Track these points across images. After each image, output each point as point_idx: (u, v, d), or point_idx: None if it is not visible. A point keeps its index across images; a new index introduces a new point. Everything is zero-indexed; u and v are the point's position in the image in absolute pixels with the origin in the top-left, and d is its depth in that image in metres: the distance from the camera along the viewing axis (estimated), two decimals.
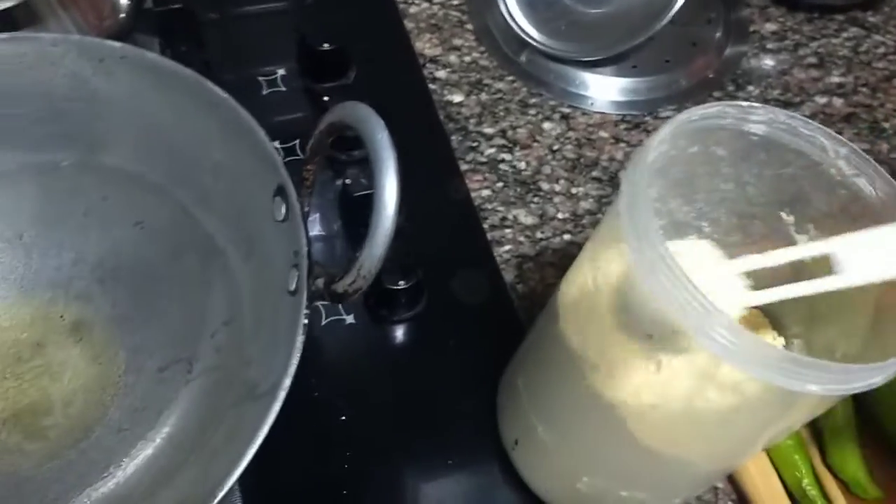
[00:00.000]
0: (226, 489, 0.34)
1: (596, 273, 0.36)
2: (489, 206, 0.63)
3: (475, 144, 0.66)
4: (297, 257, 0.40)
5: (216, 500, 0.34)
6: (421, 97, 0.67)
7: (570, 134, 0.67)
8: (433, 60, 0.71)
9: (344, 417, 0.51)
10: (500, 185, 0.64)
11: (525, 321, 0.56)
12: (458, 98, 0.69)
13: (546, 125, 0.68)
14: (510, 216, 0.62)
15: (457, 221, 0.61)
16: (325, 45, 0.63)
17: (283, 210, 0.42)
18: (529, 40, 0.71)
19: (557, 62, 0.70)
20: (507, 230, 0.62)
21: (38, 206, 0.49)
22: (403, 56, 0.70)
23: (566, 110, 0.68)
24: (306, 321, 0.38)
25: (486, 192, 0.64)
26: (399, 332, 0.55)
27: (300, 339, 0.37)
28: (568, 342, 0.38)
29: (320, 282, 0.39)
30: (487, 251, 0.60)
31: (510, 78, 0.70)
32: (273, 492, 0.47)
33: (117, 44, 0.46)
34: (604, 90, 0.70)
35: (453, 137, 0.66)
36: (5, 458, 0.43)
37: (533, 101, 0.69)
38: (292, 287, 0.41)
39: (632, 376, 0.35)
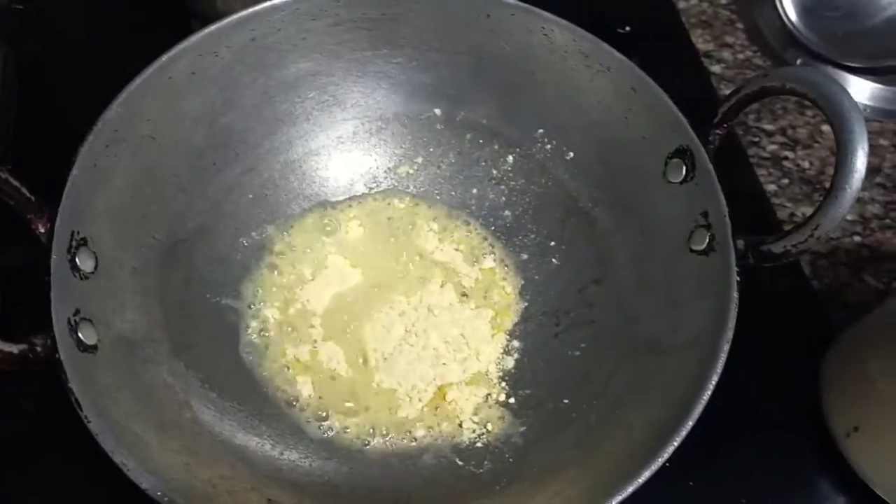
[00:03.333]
0: (681, 435, 0.34)
1: None
2: (776, 202, 0.62)
3: (756, 140, 0.66)
4: (709, 217, 0.41)
5: (676, 444, 0.34)
6: (704, 89, 0.67)
7: None
8: (706, 55, 0.71)
9: None
10: (785, 181, 0.64)
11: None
12: None
13: (825, 127, 0.67)
14: (798, 213, 0.62)
15: (751, 214, 0.61)
16: (627, 28, 0.64)
17: (683, 171, 0.43)
18: (806, 43, 0.71)
19: (834, 67, 0.70)
20: None
21: (409, 150, 0.51)
22: (682, 47, 0.70)
23: None
24: (739, 278, 0.38)
25: (771, 188, 0.63)
26: None
27: (735, 295, 0.38)
28: None
29: (740, 242, 0.39)
30: None
31: (766, 70, 0.70)
32: None
33: (510, 0, 0.47)
34: (882, 100, 0.69)
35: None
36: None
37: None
38: (699, 246, 0.41)
39: None
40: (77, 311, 0.37)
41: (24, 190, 0.37)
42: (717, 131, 0.43)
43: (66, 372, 0.34)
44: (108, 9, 0.64)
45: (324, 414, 0.43)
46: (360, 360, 0.44)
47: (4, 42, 0.61)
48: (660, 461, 0.34)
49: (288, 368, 0.45)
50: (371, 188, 0.51)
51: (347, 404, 0.43)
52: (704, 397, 0.35)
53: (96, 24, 0.63)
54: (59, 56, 0.61)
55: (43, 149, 0.57)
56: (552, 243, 0.49)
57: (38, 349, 0.35)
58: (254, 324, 0.46)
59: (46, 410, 0.46)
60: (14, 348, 0.34)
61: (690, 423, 0.35)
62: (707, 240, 0.41)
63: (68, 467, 0.45)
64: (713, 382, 0.36)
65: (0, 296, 0.48)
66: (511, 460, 0.41)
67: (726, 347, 0.36)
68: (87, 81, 0.60)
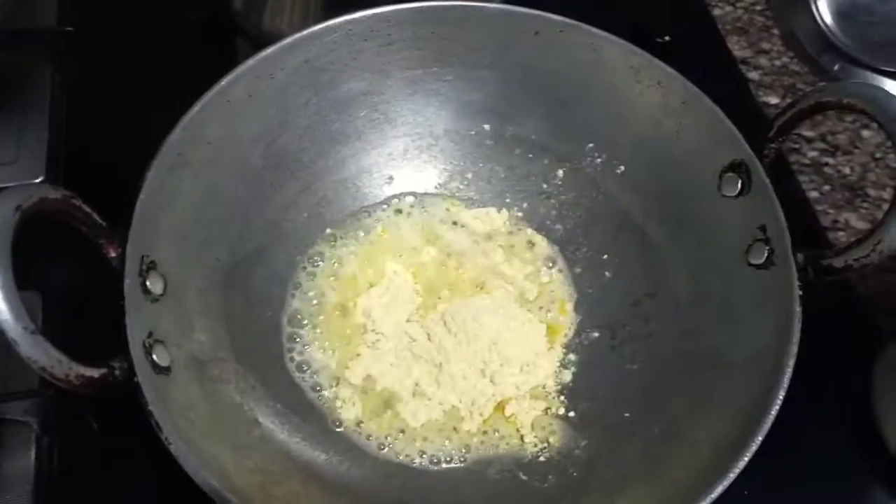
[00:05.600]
0: (751, 450, 0.35)
1: None
2: (819, 208, 0.63)
3: (797, 146, 0.66)
4: (767, 231, 0.41)
5: (745, 461, 0.34)
6: (743, 97, 0.67)
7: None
8: (743, 62, 0.71)
9: None
10: (826, 187, 0.64)
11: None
12: (773, 100, 0.69)
13: (865, 133, 0.67)
14: (841, 219, 0.62)
15: (794, 221, 0.61)
16: (667, 38, 0.64)
17: (738, 185, 0.43)
18: (842, 48, 0.71)
19: (871, 72, 0.70)
20: (840, 233, 0.61)
21: (458, 165, 0.52)
22: (719, 55, 0.70)
23: None
24: (801, 292, 0.39)
25: (814, 194, 0.63)
26: None
27: (798, 310, 0.38)
28: None
29: (800, 256, 0.40)
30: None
31: (823, 84, 0.70)
32: None
33: (557, 17, 0.47)
34: None
35: None
36: None
37: None
38: (758, 261, 0.41)
39: None
40: (150, 334, 0.37)
41: (95, 216, 0.38)
42: (772, 145, 0.43)
43: (145, 395, 0.35)
44: (155, 28, 0.65)
45: (383, 431, 0.44)
46: (419, 375, 0.45)
47: (53, 63, 0.62)
48: (731, 477, 0.34)
49: (343, 385, 0.45)
50: (423, 204, 0.52)
51: (407, 420, 0.44)
52: (772, 413, 0.35)
53: (144, 43, 0.64)
54: (107, 77, 0.62)
55: (92, 169, 0.58)
56: (605, 257, 0.49)
57: (117, 372, 0.35)
58: (309, 342, 0.46)
59: (108, 426, 0.47)
60: (95, 372, 0.35)
61: (759, 439, 0.35)
62: (766, 254, 0.41)
63: (131, 481, 0.46)
64: (780, 398, 0.36)
65: (61, 318, 0.50)
66: (575, 475, 0.41)
67: (791, 362, 0.37)
68: (134, 102, 0.61)
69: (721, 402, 0.39)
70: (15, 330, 0.32)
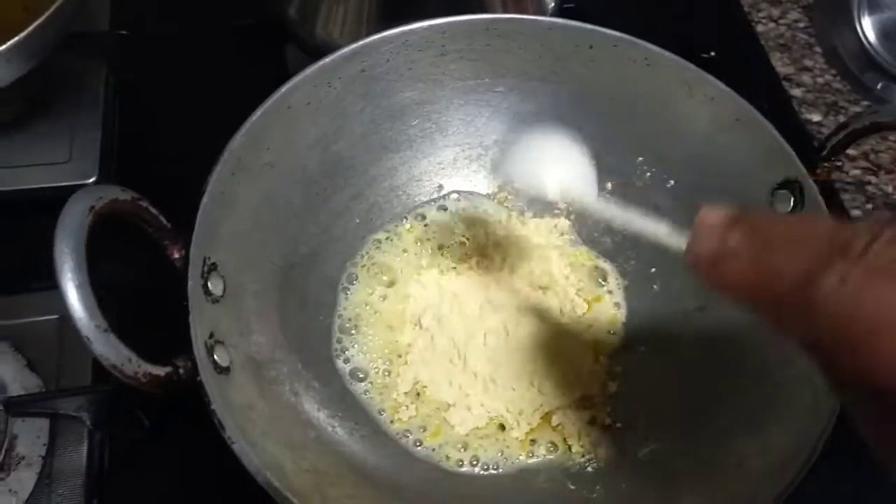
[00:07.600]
0: (805, 466, 0.35)
1: None
2: None
3: (839, 164, 0.66)
4: None
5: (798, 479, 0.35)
6: (788, 113, 0.68)
7: None
8: (786, 79, 0.71)
9: None
10: (869, 206, 0.64)
11: None
12: (816, 118, 0.69)
13: None
14: None
15: None
16: (712, 53, 0.64)
17: (791, 203, 0.43)
18: (885, 66, 0.71)
19: None
20: None
21: None
22: (763, 71, 0.70)
23: None
24: None
25: (856, 213, 0.63)
26: None
27: None
28: None
29: None
30: None
31: (866, 103, 0.70)
32: None
33: (612, 31, 0.48)
34: None
35: None
36: None
37: None
38: None
39: None
40: (212, 334, 0.38)
41: (161, 218, 0.39)
42: (825, 164, 0.43)
43: (208, 394, 0.36)
44: (206, 33, 0.66)
45: (431, 437, 0.44)
46: (467, 383, 0.45)
47: (107, 65, 0.63)
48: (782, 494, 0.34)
49: (392, 391, 0.46)
50: (472, 213, 0.52)
51: (455, 427, 0.44)
52: (825, 431, 0.36)
53: (195, 47, 0.65)
54: (159, 80, 0.63)
55: (142, 169, 0.59)
56: (653, 270, 0.49)
57: (181, 371, 0.36)
58: (360, 347, 0.47)
59: (159, 422, 0.48)
60: (161, 371, 0.35)
61: (812, 456, 0.35)
62: None
63: (180, 476, 0.47)
64: (833, 418, 0.36)
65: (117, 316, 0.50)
66: (623, 486, 0.42)
67: None
68: (185, 104, 0.62)
69: (771, 420, 0.39)
70: (89, 328, 0.33)
